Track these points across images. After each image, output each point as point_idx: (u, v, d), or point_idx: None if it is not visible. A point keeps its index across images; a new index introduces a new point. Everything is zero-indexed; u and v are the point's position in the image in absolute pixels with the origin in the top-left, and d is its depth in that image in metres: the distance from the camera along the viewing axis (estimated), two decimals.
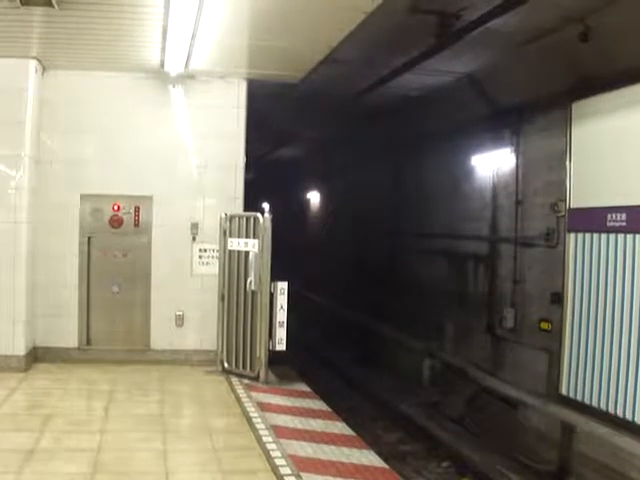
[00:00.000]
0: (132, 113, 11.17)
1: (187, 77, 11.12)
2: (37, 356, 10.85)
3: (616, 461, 9.09)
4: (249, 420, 8.28)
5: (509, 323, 12.08)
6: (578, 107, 10.09)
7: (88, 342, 11.16)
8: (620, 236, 9.25)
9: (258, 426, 8.01)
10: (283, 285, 10.18)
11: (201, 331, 11.23)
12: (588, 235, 9.90)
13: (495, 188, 12.94)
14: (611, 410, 9.31)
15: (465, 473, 10.69)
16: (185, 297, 11.29)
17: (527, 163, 11.89)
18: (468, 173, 13.94)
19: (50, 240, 10.94)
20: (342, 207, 22.54)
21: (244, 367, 10.43)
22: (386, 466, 7.09)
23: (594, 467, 9.55)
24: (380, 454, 7.70)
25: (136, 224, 11.27)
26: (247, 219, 10.41)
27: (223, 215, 10.65)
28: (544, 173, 11.30)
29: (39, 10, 7.96)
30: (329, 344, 19.89)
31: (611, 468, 9.19)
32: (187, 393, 9.82)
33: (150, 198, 11.24)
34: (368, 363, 17.27)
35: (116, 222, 11.20)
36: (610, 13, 8.74)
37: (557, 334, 10.62)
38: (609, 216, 9.38)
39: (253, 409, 8.75)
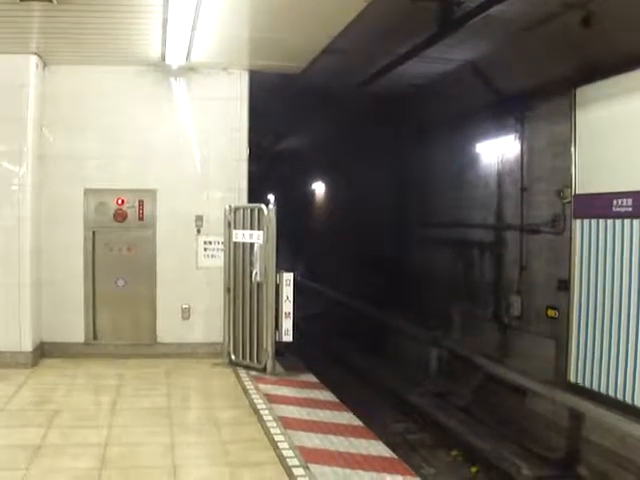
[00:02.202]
0: (134, 106, 11.13)
1: (189, 69, 11.08)
2: (44, 351, 10.85)
3: (625, 448, 9.08)
4: (256, 412, 8.27)
5: (516, 311, 12.06)
6: (582, 92, 10.04)
7: (94, 337, 11.15)
8: (626, 221, 9.21)
9: (265, 418, 8.01)
10: (289, 276, 10.16)
11: (207, 324, 11.21)
12: (594, 221, 9.86)
13: (500, 175, 12.90)
14: (620, 397, 9.29)
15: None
16: (191, 290, 11.27)
17: (532, 150, 11.84)
18: (472, 161, 13.90)
19: (54, 235, 10.92)
20: (348, 198, 22.54)
21: (251, 359, 10.41)
22: (394, 456, 7.08)
23: (603, 454, 9.53)
24: (388, 444, 7.69)
25: (140, 218, 11.24)
26: (252, 211, 10.37)
27: (227, 207, 10.61)
28: (549, 160, 11.26)
29: (38, 5, 7.94)
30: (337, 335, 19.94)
31: (620, 455, 9.18)
32: (194, 386, 9.82)
33: (154, 192, 11.21)
34: (375, 353, 17.31)
35: (120, 216, 11.17)
36: None
37: (564, 321, 10.60)
38: (615, 202, 9.34)
39: (260, 401, 8.74)
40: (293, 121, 18.94)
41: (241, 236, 10.43)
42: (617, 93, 9.35)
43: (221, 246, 10.98)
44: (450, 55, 11.84)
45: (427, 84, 14.02)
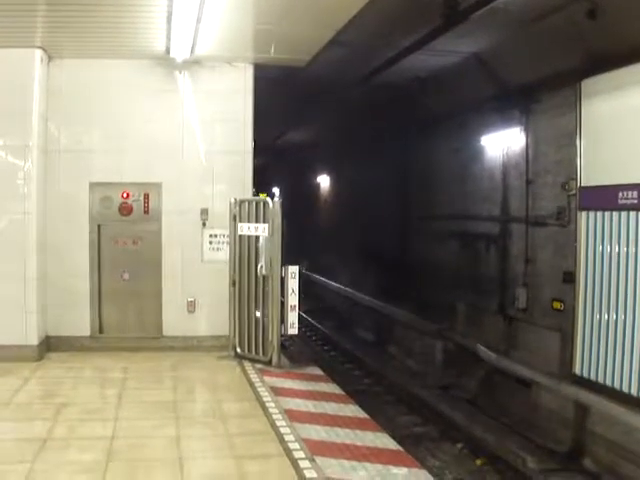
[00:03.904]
0: (139, 100, 11.13)
1: (193, 63, 11.06)
2: (50, 345, 10.87)
3: (630, 440, 9.07)
4: (262, 405, 8.28)
5: (521, 303, 12.05)
6: (587, 85, 10.00)
7: (100, 330, 11.17)
8: (632, 213, 9.19)
9: (271, 410, 8.01)
10: (294, 269, 10.16)
11: (213, 317, 11.21)
12: (600, 213, 9.84)
13: (505, 168, 12.88)
14: (625, 389, 9.27)
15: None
16: (196, 283, 11.27)
17: (537, 142, 11.81)
18: (478, 154, 13.87)
19: (60, 229, 10.93)
20: (351, 192, 22.56)
21: (257, 352, 10.42)
22: (400, 448, 7.09)
23: (608, 446, 9.53)
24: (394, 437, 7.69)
25: (146, 211, 11.24)
26: (257, 203, 10.36)
27: (232, 200, 10.60)
28: (554, 152, 11.23)
29: None
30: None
31: (625, 447, 9.17)
32: (200, 379, 9.82)
33: (159, 185, 11.21)
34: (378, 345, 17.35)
35: (125, 210, 11.17)
36: None
37: (570, 313, 10.58)
38: (620, 194, 9.32)
39: (266, 393, 8.74)
40: (297, 114, 18.89)
41: (246, 229, 10.43)
42: (622, 85, 9.32)
43: (226, 239, 10.98)
44: (455, 48, 11.81)
45: (432, 77, 13.99)
